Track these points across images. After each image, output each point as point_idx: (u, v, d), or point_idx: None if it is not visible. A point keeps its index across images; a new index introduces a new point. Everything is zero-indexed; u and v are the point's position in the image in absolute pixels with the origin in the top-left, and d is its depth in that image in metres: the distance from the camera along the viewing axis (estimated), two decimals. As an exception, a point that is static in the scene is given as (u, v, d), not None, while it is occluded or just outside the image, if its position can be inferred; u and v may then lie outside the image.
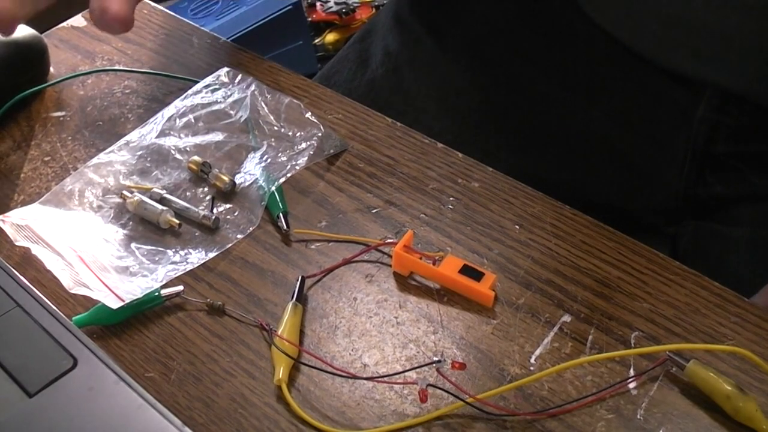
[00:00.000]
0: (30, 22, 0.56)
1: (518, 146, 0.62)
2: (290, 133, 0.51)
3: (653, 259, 0.43)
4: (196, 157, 0.50)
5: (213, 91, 0.54)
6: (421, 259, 0.43)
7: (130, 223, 0.48)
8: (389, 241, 0.45)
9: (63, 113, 0.56)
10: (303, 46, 1.61)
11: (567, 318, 0.41)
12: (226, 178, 0.49)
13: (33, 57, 0.58)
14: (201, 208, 0.48)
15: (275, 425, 0.38)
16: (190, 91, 0.54)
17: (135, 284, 0.43)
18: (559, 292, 0.42)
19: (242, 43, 0.61)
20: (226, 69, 0.55)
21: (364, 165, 0.50)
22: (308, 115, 0.51)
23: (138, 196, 0.48)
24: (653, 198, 0.61)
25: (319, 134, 0.50)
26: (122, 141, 0.52)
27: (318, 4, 1.71)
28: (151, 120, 0.53)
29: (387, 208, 0.48)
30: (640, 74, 0.58)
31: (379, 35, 0.70)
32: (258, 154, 0.50)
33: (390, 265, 0.44)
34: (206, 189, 0.50)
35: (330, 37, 1.70)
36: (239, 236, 0.47)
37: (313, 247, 0.46)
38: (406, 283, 0.44)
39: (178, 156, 0.51)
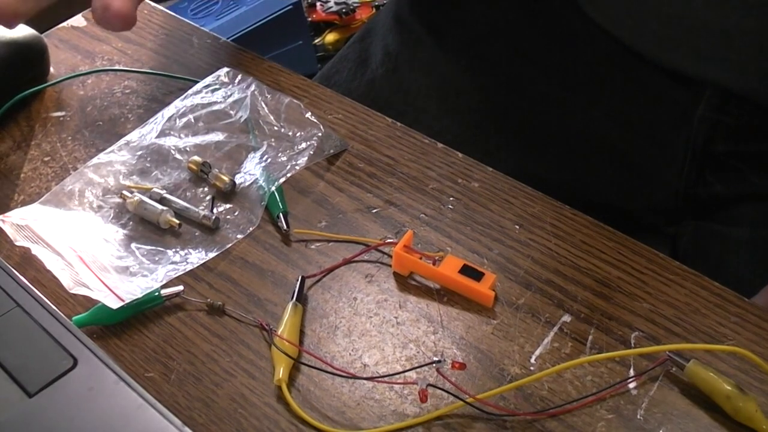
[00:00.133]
0: (30, 22, 0.56)
1: (518, 146, 0.62)
2: (290, 133, 0.51)
3: (653, 259, 0.43)
4: (196, 157, 0.50)
5: (213, 91, 0.54)
6: (421, 259, 0.43)
7: (130, 223, 0.48)
8: (389, 241, 0.45)
9: (63, 113, 0.56)
10: (303, 46, 1.61)
11: (567, 318, 0.41)
12: (226, 178, 0.49)
13: (33, 57, 0.58)
14: (201, 208, 0.48)
15: (275, 425, 0.38)
16: (190, 91, 0.54)
17: (135, 284, 0.43)
18: (559, 292, 0.42)
19: (242, 43, 0.61)
20: (226, 69, 0.55)
21: (364, 165, 0.50)
22: (308, 115, 0.51)
23: (138, 196, 0.48)
24: (653, 198, 0.61)
25: (319, 134, 0.50)
26: (122, 141, 0.52)
27: (318, 4, 1.71)
28: (151, 120, 0.53)
29: (387, 208, 0.48)
30: (640, 74, 0.58)
31: (379, 35, 0.70)
32: (258, 154, 0.50)
33: (390, 265, 0.44)
34: (206, 189, 0.50)
35: (330, 37, 1.70)
36: (239, 236, 0.47)
37: (313, 247, 0.46)
38: (406, 283, 0.44)
39: (178, 156, 0.51)
